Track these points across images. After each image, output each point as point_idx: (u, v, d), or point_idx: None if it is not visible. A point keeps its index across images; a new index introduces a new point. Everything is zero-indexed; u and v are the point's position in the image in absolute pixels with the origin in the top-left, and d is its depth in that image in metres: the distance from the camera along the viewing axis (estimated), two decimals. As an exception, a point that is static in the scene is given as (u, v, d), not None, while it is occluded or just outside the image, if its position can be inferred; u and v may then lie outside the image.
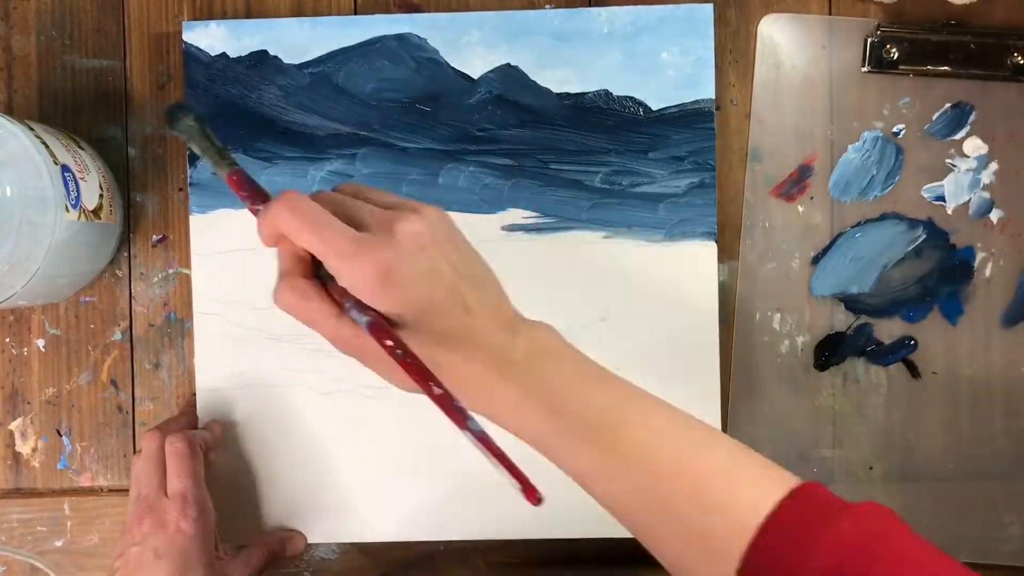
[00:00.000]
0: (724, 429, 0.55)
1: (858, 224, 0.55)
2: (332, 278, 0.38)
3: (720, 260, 0.55)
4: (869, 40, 0.54)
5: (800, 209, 0.55)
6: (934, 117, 0.55)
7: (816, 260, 0.55)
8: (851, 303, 0.55)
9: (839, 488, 0.53)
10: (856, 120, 0.55)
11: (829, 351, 0.55)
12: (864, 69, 0.55)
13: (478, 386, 0.38)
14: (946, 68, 0.54)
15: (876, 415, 0.55)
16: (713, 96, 0.54)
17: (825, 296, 0.55)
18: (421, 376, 0.36)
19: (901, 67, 0.54)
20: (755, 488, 0.35)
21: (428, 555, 0.56)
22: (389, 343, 0.37)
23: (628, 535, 0.55)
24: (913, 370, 0.55)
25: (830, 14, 0.55)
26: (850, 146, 0.55)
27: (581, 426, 0.38)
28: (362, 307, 0.38)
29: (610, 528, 0.55)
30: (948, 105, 0.55)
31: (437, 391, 0.36)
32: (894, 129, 0.55)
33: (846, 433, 0.54)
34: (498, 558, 0.56)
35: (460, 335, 0.38)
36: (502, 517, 0.55)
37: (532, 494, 0.35)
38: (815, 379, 0.55)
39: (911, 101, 0.55)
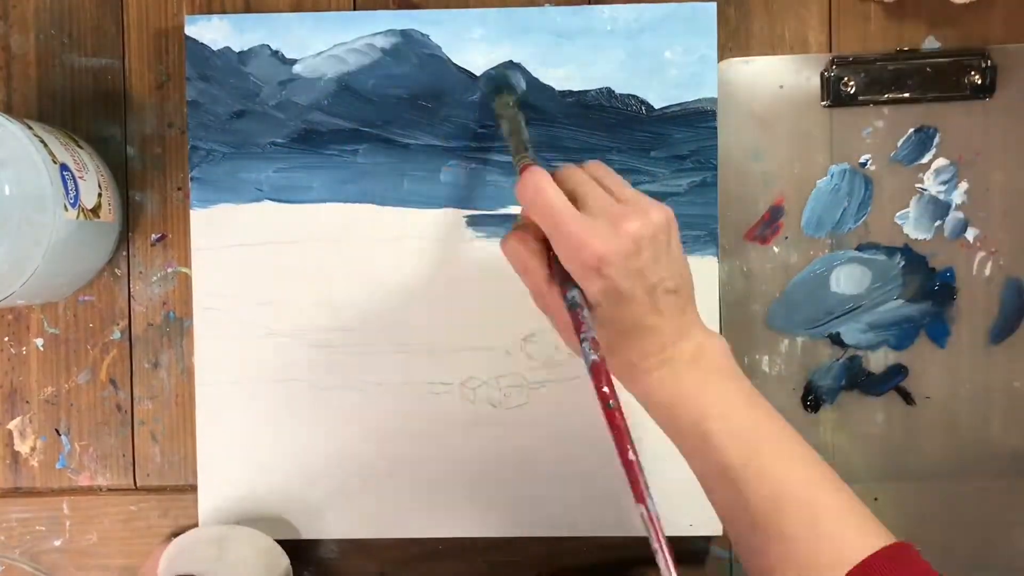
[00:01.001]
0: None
1: (833, 258, 0.55)
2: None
3: (721, 259, 0.55)
4: (825, 75, 0.54)
5: (776, 250, 0.55)
6: (899, 144, 0.55)
7: (789, 298, 0.55)
8: (836, 338, 0.55)
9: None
10: (821, 155, 0.55)
11: (815, 394, 0.55)
12: (824, 104, 0.55)
13: (644, 375, 0.43)
14: (906, 94, 0.54)
15: (874, 446, 0.55)
16: (715, 95, 0.54)
17: (808, 332, 0.55)
18: (620, 436, 0.39)
19: (860, 98, 0.54)
20: (861, 532, 0.39)
21: (428, 554, 0.56)
22: (605, 390, 0.39)
23: (630, 535, 0.55)
24: (907, 397, 0.55)
25: (830, 15, 0.55)
26: (818, 182, 0.55)
27: (718, 441, 0.41)
28: (571, 283, 0.41)
29: (612, 528, 0.55)
30: (912, 130, 0.55)
31: (631, 457, 0.38)
32: (860, 160, 0.55)
33: (845, 466, 0.53)
34: (498, 557, 0.56)
35: (644, 331, 0.42)
36: (503, 515, 0.55)
37: None
38: (810, 419, 0.55)
39: (874, 131, 0.55)
